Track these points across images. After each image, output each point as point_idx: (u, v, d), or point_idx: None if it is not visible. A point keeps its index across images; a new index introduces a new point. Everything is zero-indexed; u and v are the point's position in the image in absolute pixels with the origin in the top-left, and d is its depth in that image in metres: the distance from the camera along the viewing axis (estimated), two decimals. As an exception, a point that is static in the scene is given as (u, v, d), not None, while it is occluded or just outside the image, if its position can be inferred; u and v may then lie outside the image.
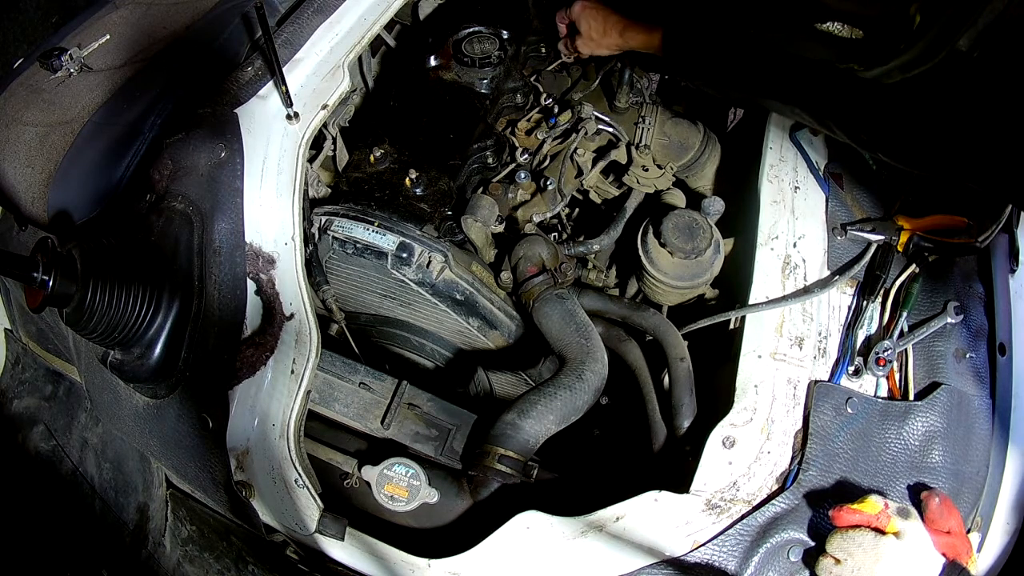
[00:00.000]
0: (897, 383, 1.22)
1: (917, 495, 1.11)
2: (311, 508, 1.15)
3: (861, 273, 1.30)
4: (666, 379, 1.36)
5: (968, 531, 1.14)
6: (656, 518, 1.12)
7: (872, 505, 1.05)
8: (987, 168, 1.04)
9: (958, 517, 1.07)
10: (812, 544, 1.10)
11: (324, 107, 1.41)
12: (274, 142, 1.34)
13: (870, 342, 1.25)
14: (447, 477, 1.26)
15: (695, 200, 1.55)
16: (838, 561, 1.05)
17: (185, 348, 1.19)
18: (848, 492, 1.12)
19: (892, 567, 1.02)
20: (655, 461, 1.31)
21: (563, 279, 1.42)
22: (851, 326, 1.26)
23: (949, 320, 1.23)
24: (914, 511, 1.09)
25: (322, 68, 1.45)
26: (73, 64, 1.46)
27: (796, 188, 1.40)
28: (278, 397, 1.18)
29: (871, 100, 1.13)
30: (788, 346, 1.25)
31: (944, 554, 1.03)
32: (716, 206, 1.48)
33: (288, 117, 1.37)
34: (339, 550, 1.17)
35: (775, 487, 1.14)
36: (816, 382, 1.21)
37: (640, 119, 1.65)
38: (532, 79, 1.76)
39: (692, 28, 1.43)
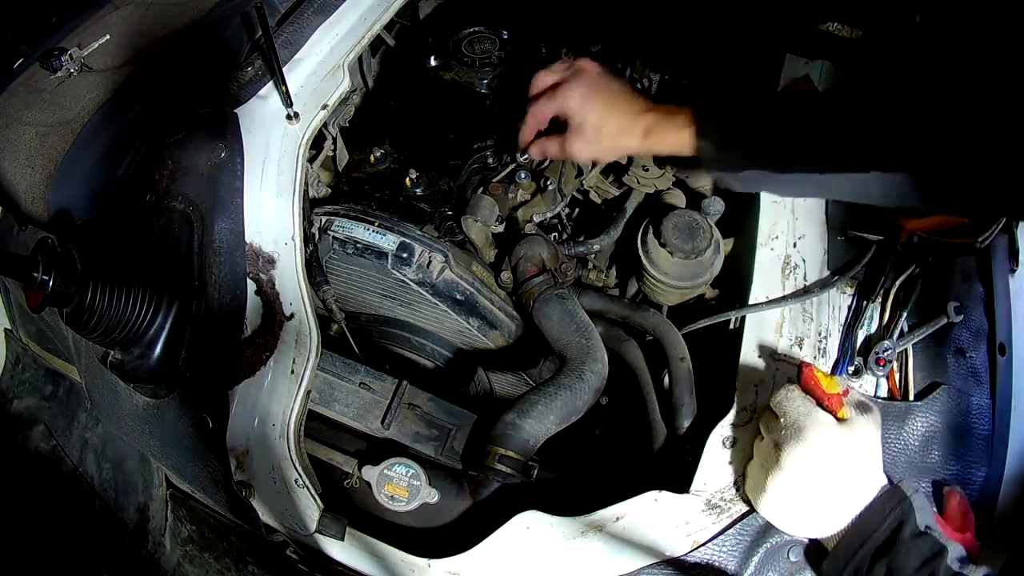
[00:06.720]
0: (897, 383, 1.22)
1: (937, 492, 1.10)
2: (311, 508, 1.15)
3: (861, 273, 1.30)
4: (666, 379, 1.36)
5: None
6: (656, 518, 1.12)
7: (833, 384, 0.99)
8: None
9: (972, 520, 1.05)
10: (813, 544, 1.10)
11: (324, 107, 1.41)
12: (274, 142, 1.34)
13: (870, 342, 1.24)
14: (447, 477, 1.26)
15: (695, 200, 1.54)
16: (776, 418, 0.98)
17: (185, 348, 1.19)
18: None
19: (821, 451, 0.94)
20: (655, 461, 1.31)
21: (563, 279, 1.42)
22: (851, 326, 1.26)
23: (949, 320, 1.23)
24: (876, 410, 1.02)
25: (322, 68, 1.45)
26: (73, 64, 1.45)
27: (796, 188, 1.40)
28: (278, 397, 1.18)
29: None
30: (788, 346, 1.25)
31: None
32: (716, 206, 1.48)
33: (288, 117, 1.37)
34: (339, 550, 1.17)
35: (775, 487, 1.14)
36: (816, 382, 1.21)
37: (640, 119, 1.65)
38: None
39: (735, 102, 1.07)
